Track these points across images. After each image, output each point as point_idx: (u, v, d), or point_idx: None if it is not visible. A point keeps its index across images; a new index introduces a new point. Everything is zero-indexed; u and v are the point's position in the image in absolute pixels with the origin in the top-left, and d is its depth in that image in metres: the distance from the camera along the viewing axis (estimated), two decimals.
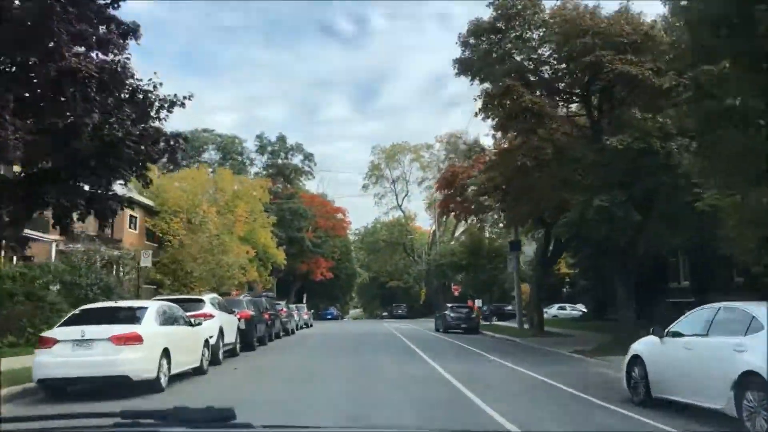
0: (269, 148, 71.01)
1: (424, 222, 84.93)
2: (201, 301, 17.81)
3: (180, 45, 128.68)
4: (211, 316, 16.66)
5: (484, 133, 79.91)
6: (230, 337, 18.08)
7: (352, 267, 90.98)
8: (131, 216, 36.89)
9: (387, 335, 31.59)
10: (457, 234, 79.76)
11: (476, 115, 21.98)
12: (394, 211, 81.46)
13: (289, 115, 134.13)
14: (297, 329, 37.88)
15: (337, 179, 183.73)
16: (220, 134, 69.59)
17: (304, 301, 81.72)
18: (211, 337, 15.17)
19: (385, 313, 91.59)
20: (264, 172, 72.07)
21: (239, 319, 19.72)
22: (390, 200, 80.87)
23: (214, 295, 20.79)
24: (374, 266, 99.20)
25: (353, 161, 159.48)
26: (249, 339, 20.57)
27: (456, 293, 54.43)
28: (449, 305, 37.37)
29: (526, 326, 32.11)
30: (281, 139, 71.42)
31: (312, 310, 54.56)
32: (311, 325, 45.63)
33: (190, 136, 69.48)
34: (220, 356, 16.38)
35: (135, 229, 37.97)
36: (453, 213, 35.79)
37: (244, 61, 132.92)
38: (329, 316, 70.58)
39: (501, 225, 37.44)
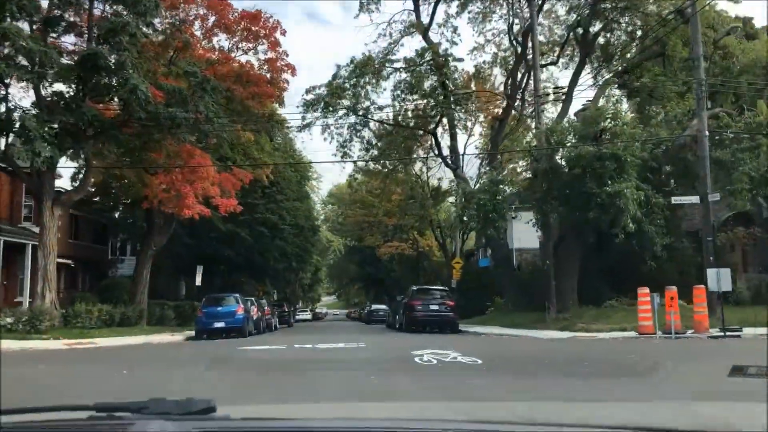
0: None
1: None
2: None
3: None
4: None
5: None
6: None
7: (310, 208, 44.21)
8: None
9: None
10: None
11: None
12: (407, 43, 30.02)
13: None
14: None
15: None
16: None
17: (199, 278, 34.59)
18: None
19: (379, 308, 44.84)
20: None
21: None
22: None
23: None
24: (351, 218, 53.16)
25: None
26: None
27: None
28: None
29: None
30: None
31: None
32: None
33: None
34: None
35: None
36: None
37: None
38: (218, 326, 23.33)
39: None
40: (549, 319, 23.90)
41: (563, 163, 23.82)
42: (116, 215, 43.39)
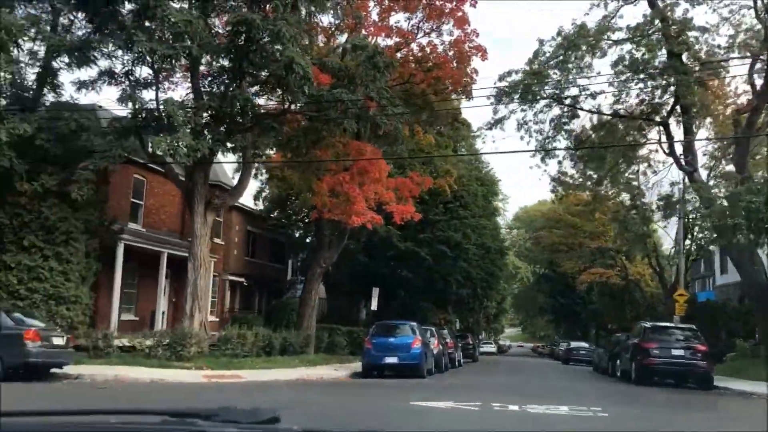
0: None
1: None
2: None
3: None
4: None
5: None
6: None
7: (497, 227, 39.03)
8: None
9: None
10: None
11: None
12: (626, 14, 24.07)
13: None
14: None
15: None
16: None
17: (375, 302, 30.12)
18: None
19: (581, 346, 38.29)
20: None
21: None
22: None
23: None
24: (547, 238, 47.30)
25: None
26: None
27: None
28: None
29: None
30: None
31: None
32: None
33: None
34: None
35: None
36: None
37: None
38: (389, 361, 18.61)
39: None
40: None
41: None
42: (297, 234, 41.09)
